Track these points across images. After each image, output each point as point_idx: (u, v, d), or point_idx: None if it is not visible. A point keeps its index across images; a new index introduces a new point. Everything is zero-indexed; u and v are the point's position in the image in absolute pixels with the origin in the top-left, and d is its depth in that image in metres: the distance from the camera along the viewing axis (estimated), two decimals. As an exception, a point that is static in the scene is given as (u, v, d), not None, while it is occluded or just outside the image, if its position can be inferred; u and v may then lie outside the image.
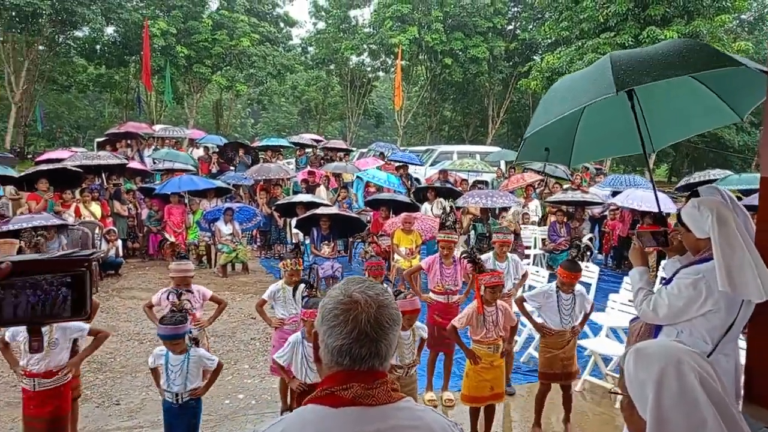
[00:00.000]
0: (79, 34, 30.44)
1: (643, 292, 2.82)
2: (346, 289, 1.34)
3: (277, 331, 4.76)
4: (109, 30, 30.42)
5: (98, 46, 31.00)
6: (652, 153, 3.67)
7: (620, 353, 5.35)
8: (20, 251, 7.56)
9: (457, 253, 5.51)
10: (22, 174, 10.43)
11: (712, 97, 3.26)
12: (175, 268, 4.54)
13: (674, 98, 3.42)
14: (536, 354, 6.16)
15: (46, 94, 34.09)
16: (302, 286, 4.00)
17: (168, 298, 3.95)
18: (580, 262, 4.73)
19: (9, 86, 26.97)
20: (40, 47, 28.89)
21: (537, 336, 6.20)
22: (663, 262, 7.00)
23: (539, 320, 4.66)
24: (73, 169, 10.09)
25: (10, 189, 11.02)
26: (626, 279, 6.69)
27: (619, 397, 4.93)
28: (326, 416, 1.24)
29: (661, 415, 1.38)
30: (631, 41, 19.49)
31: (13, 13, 25.95)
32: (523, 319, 4.97)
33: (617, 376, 5.49)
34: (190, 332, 3.68)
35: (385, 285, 1.48)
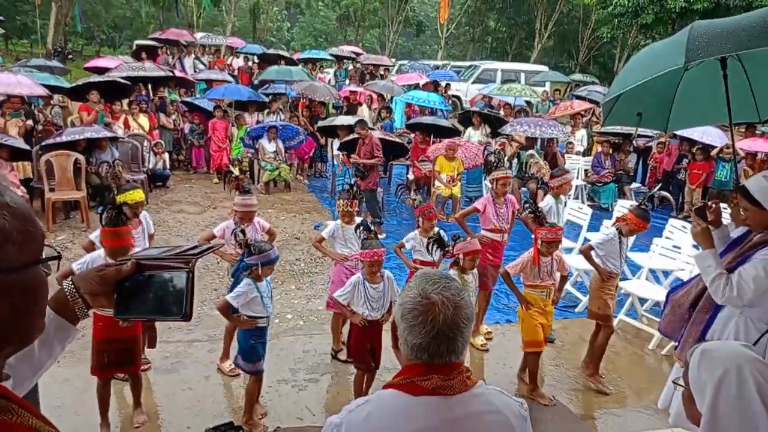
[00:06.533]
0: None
1: (724, 277, 2.66)
2: (423, 290, 1.42)
3: (337, 266, 4.83)
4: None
5: (135, -59, 30.09)
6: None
7: (657, 297, 5.43)
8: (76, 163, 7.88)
9: None
10: (74, 85, 10.57)
11: None
12: (240, 202, 4.53)
13: None
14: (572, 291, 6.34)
15: (83, -7, 33.56)
16: (361, 228, 4.14)
17: (234, 237, 4.10)
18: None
19: (48, -17, 26.59)
20: (77, -59, 28.17)
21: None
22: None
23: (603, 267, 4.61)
24: (123, 81, 10.17)
25: (58, 97, 11.25)
26: (671, 222, 6.67)
27: (655, 338, 4.95)
28: (408, 403, 1.39)
29: (716, 416, 1.47)
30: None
31: None
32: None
33: (652, 317, 5.63)
34: None
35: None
